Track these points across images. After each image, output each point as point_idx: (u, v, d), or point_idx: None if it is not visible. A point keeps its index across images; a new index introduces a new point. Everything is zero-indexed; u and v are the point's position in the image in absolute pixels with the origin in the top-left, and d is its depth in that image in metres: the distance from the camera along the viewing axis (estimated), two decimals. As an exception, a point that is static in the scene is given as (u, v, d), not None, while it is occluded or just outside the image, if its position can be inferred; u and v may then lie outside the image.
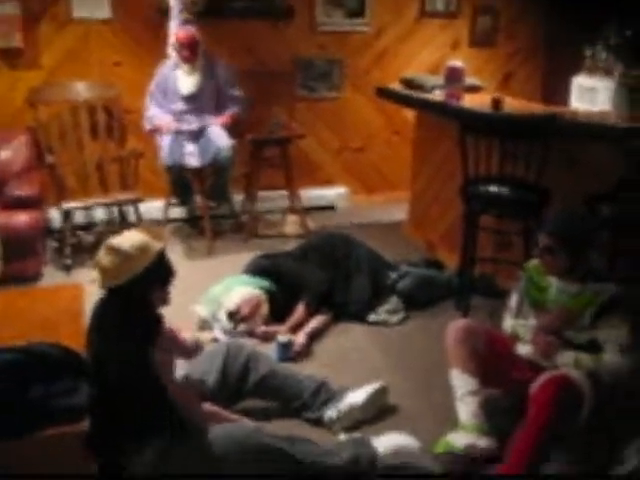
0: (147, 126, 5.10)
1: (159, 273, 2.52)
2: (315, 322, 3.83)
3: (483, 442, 2.76)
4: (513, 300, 3.06)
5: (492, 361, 2.92)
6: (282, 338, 3.56)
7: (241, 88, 5.23)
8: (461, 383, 2.88)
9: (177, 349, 2.74)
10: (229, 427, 2.58)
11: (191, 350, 2.87)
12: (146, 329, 2.48)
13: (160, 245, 2.52)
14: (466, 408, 2.84)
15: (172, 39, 4.99)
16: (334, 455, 2.58)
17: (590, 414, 2.67)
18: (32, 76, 5.07)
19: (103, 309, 2.54)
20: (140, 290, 2.48)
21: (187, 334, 2.83)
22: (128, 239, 2.47)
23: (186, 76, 4.99)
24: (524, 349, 2.92)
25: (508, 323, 3.05)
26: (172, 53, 5.01)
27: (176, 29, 4.96)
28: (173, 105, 5.04)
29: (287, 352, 3.54)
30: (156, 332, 2.55)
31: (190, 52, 4.92)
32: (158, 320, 2.60)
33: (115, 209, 5.30)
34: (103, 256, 2.44)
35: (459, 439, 2.74)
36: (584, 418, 2.66)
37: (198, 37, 4.94)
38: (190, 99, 5.02)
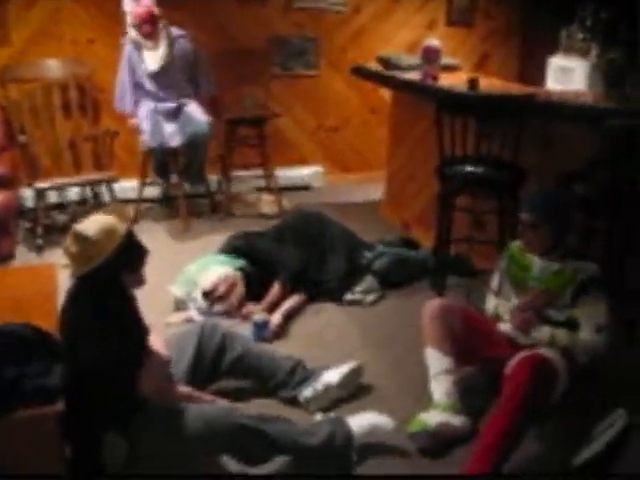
0: (117, 107, 5.08)
1: (128, 255, 2.46)
2: (290, 302, 3.83)
3: (456, 420, 2.78)
4: (495, 280, 3.09)
5: (468, 339, 2.93)
6: (258, 318, 3.55)
7: (211, 65, 5.20)
8: (435, 362, 2.90)
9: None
10: (204, 408, 2.57)
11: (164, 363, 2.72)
12: (117, 314, 2.46)
13: (126, 226, 2.46)
14: (440, 386, 2.85)
15: (129, 18, 4.85)
16: (310, 434, 2.59)
17: (563, 393, 2.71)
18: (1, 53, 4.97)
19: (75, 294, 2.50)
20: (109, 274, 2.44)
21: (159, 340, 2.77)
22: (92, 224, 2.41)
23: (150, 52, 4.89)
24: (504, 327, 2.94)
25: (491, 303, 3.07)
26: (132, 32, 4.88)
27: (131, 6, 4.83)
28: (144, 84, 4.97)
29: (263, 332, 3.53)
30: (131, 314, 2.54)
31: (151, 26, 4.81)
32: (132, 302, 2.59)
33: (89, 189, 5.24)
34: (70, 244, 2.40)
35: (432, 417, 2.75)
36: (558, 397, 2.70)
37: (156, 11, 4.84)
38: (158, 75, 4.94)
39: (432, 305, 3.00)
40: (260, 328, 3.53)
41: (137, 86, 5.00)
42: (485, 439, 2.52)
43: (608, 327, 2.77)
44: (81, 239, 2.37)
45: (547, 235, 2.85)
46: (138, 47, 4.91)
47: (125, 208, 2.62)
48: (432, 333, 2.93)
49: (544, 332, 2.79)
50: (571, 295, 2.80)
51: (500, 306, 3.01)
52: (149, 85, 4.97)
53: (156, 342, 2.68)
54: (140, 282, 2.57)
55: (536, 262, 2.92)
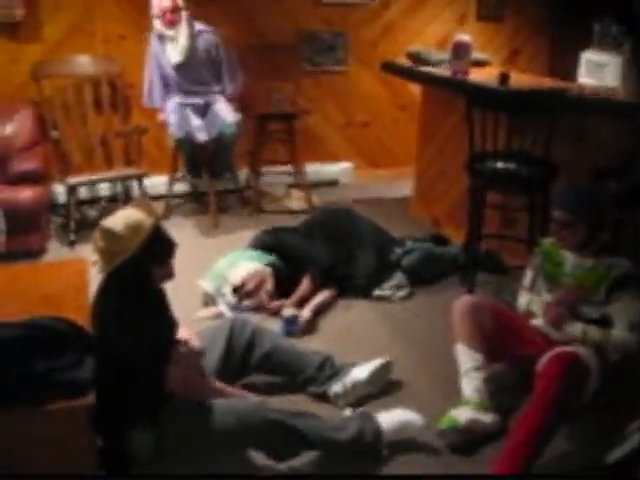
0: (146, 103, 5.10)
1: (155, 249, 2.48)
2: (320, 297, 3.83)
3: (486, 418, 2.77)
4: (528, 277, 3.05)
5: (499, 336, 2.92)
6: (287, 313, 3.56)
7: (240, 60, 5.19)
8: (466, 358, 2.88)
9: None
10: (233, 402, 2.58)
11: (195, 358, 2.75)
12: (146, 307, 2.47)
13: (152, 221, 2.47)
14: (470, 383, 2.84)
15: (154, 9, 4.85)
16: (339, 430, 2.59)
17: (595, 391, 2.68)
18: (34, 50, 5.01)
19: (104, 288, 2.52)
20: (137, 269, 2.45)
21: (186, 331, 2.78)
22: (118, 219, 2.43)
23: (172, 44, 4.89)
24: (537, 323, 2.92)
25: (523, 300, 3.04)
26: (156, 24, 4.88)
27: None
28: (170, 76, 4.97)
29: (292, 327, 3.54)
30: (160, 307, 2.56)
31: (172, 15, 4.81)
32: (161, 296, 2.61)
33: (119, 184, 5.28)
34: (98, 240, 2.42)
35: (462, 414, 2.74)
36: (589, 395, 2.67)
37: (180, 1, 4.85)
38: (182, 68, 4.93)
39: (463, 302, 2.98)
40: (289, 323, 3.53)
41: (164, 80, 5.01)
42: (516, 436, 2.50)
43: None
44: (108, 235, 2.39)
45: (580, 232, 2.81)
46: (162, 40, 4.92)
47: (150, 202, 2.63)
48: (462, 330, 2.91)
49: (577, 328, 2.76)
50: (605, 292, 2.77)
51: (533, 302, 2.98)
52: (175, 78, 4.96)
53: (186, 334, 2.70)
54: (169, 275, 2.58)
55: (569, 258, 2.89)
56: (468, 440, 2.72)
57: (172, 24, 4.85)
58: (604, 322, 2.77)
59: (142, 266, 2.47)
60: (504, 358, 3.00)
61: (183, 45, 4.89)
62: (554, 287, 2.94)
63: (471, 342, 2.88)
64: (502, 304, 3.13)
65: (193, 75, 5.00)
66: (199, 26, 5.01)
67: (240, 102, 5.16)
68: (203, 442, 2.46)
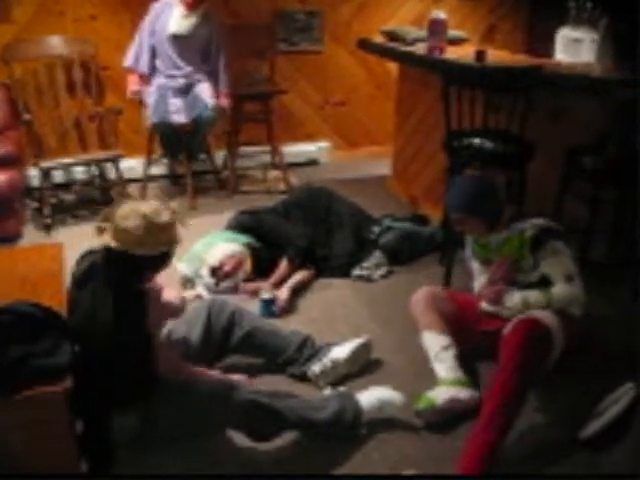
0: (129, 65, 5.01)
1: (171, 256, 2.49)
2: (297, 277, 3.83)
3: (464, 393, 2.79)
4: (470, 265, 3.21)
5: (459, 319, 3.02)
6: (265, 294, 3.55)
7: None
8: (433, 342, 2.93)
9: (165, 309, 2.69)
10: (213, 385, 2.58)
11: (178, 309, 2.81)
12: (141, 291, 2.45)
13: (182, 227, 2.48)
14: (442, 364, 2.87)
15: None
16: (318, 409, 2.59)
17: (563, 352, 2.77)
18: (3, 31, 4.92)
19: (96, 268, 2.47)
20: (149, 266, 2.44)
21: (173, 292, 2.79)
22: (160, 212, 2.39)
23: (180, 17, 4.83)
24: (484, 306, 3.03)
25: (475, 285, 3.17)
26: None
27: None
28: (159, 44, 4.91)
29: (271, 308, 3.53)
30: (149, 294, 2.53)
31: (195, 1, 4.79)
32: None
33: (95, 167, 5.22)
34: (130, 217, 2.34)
35: (440, 394, 2.75)
36: (556, 357, 2.75)
37: None
38: (177, 39, 4.87)
39: (420, 293, 3.09)
40: (267, 305, 3.53)
41: (154, 51, 4.94)
42: (488, 406, 2.51)
43: (577, 274, 2.85)
44: (147, 220, 2.34)
45: (479, 223, 3.00)
46: (170, 8, 4.84)
47: (176, 207, 2.57)
48: (425, 319, 2.99)
49: (516, 298, 2.86)
50: (530, 255, 2.89)
51: (478, 287, 3.11)
52: (167, 49, 4.89)
53: (172, 295, 2.71)
54: (154, 278, 2.55)
55: (491, 237, 3.03)
56: (447, 418, 2.74)
57: (191, 7, 4.80)
58: (543, 283, 2.87)
59: (150, 266, 2.45)
60: (468, 339, 3.05)
61: (191, 23, 4.84)
62: (488, 268, 3.07)
63: (435, 327, 2.95)
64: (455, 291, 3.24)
65: (185, 52, 4.92)
66: (212, 10, 4.98)
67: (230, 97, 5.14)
68: (183, 423, 2.46)
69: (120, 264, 2.41)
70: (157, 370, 2.46)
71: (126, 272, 2.42)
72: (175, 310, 2.73)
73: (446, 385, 2.80)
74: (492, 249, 3.04)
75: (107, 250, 2.40)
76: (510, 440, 2.53)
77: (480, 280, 3.13)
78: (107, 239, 2.37)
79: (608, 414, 2.65)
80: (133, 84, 5.00)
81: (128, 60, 4.98)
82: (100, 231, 2.39)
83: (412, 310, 3.09)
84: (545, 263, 2.86)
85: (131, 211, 2.36)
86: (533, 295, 2.83)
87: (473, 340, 3.06)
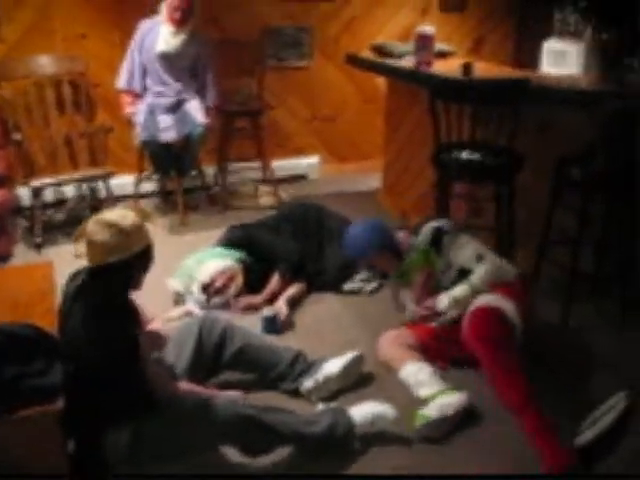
0: (122, 86, 5.03)
1: (148, 256, 2.50)
2: (292, 290, 3.84)
3: (454, 399, 2.81)
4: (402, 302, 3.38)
5: (426, 346, 3.11)
6: (267, 312, 3.56)
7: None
8: (409, 371, 2.98)
9: (148, 338, 2.69)
10: (205, 400, 2.57)
11: (161, 341, 2.78)
12: (130, 309, 2.45)
13: (152, 225, 2.52)
14: (423, 386, 2.90)
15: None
16: (311, 424, 2.60)
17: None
18: (-8, 50, 4.93)
19: (82, 286, 2.47)
20: (130, 269, 2.44)
21: (158, 324, 2.79)
22: (126, 216, 2.41)
23: (168, 35, 4.84)
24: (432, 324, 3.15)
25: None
26: (162, 10, 4.84)
27: None
28: (148, 62, 4.92)
29: (273, 325, 3.54)
30: (132, 310, 2.53)
31: (182, 16, 4.78)
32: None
33: (85, 185, 5.22)
34: (97, 230, 2.36)
35: (432, 409, 2.77)
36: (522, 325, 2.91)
37: (193, 2, 4.81)
38: (166, 58, 4.88)
39: (385, 338, 3.19)
40: (271, 322, 3.53)
41: (144, 68, 4.96)
42: (510, 403, 2.64)
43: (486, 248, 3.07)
44: (113, 229, 2.36)
45: (390, 256, 3.25)
46: (158, 26, 4.85)
47: (144, 208, 2.61)
48: (396, 358, 3.06)
49: (444, 301, 2.99)
50: (437, 256, 3.07)
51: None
52: (156, 67, 4.90)
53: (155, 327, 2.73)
54: (139, 285, 2.56)
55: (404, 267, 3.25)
56: (444, 429, 2.75)
57: (178, 25, 4.81)
58: (464, 275, 3.05)
59: (133, 268, 2.45)
60: (443, 357, 3.14)
61: (179, 41, 4.85)
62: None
63: (405, 359, 3.02)
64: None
65: (173, 69, 4.94)
66: (198, 28, 4.99)
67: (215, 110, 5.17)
68: (175, 439, 2.45)
69: (103, 278, 2.42)
70: (148, 386, 2.46)
71: (111, 284, 2.42)
72: (157, 341, 2.71)
73: (432, 399, 2.82)
74: (408, 272, 3.23)
75: (89, 269, 2.44)
76: (506, 447, 2.53)
77: (409, 306, 3.27)
78: (85, 260, 2.40)
79: (602, 423, 2.67)
80: (128, 105, 5.02)
81: (121, 82, 5.00)
82: (78, 256, 2.41)
83: (381, 357, 3.16)
84: (453, 257, 3.04)
85: (97, 224, 2.38)
86: (457, 290, 2.98)
87: (447, 357, 3.14)
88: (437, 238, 3.06)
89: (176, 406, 2.48)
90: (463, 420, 2.80)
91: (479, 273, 2.97)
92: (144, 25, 4.92)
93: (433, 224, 3.16)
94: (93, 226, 2.38)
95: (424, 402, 2.83)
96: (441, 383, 2.89)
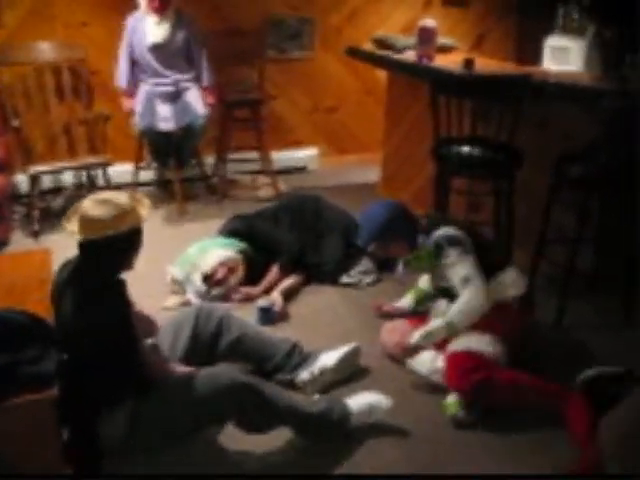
0: (117, 83, 5.02)
1: (140, 236, 2.49)
2: (287, 282, 3.83)
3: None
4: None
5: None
6: (263, 303, 3.55)
7: (208, 49, 5.11)
8: (424, 359, 3.01)
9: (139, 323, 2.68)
10: (202, 371, 2.58)
11: (152, 327, 2.76)
12: (122, 291, 2.45)
13: (146, 211, 2.50)
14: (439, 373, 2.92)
15: None
16: (308, 405, 2.63)
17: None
18: (-8, 36, 4.91)
19: (73, 271, 2.47)
20: (122, 248, 2.43)
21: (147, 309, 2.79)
22: (119, 195, 2.43)
23: (154, 26, 4.82)
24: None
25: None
26: (142, 2, 4.83)
27: None
28: (144, 58, 4.90)
29: (269, 316, 3.53)
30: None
31: (160, 3, 4.75)
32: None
33: (83, 173, 5.21)
34: (93, 207, 2.36)
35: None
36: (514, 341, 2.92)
37: None
38: (157, 49, 4.86)
39: (386, 329, 3.23)
40: (266, 312, 3.53)
41: (137, 64, 4.95)
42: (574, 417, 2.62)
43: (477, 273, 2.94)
44: (108, 204, 2.36)
45: (404, 243, 3.17)
46: (143, 20, 4.84)
47: (143, 196, 2.62)
48: (406, 347, 3.05)
49: (415, 337, 2.94)
50: (437, 262, 3.02)
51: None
52: (148, 60, 4.88)
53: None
54: (130, 266, 2.55)
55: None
56: (480, 411, 2.78)
57: (159, 11, 4.79)
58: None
59: (123, 247, 2.44)
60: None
61: (165, 29, 4.83)
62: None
63: (420, 348, 3.01)
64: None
65: (167, 59, 4.92)
66: (183, 12, 4.97)
67: (214, 94, 5.13)
68: (173, 417, 2.44)
69: (95, 256, 2.42)
70: (143, 369, 2.46)
71: (101, 262, 2.43)
72: (149, 327, 2.71)
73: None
74: (411, 264, 3.21)
75: (80, 246, 2.43)
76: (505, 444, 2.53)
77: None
78: (75, 236, 2.40)
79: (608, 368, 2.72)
80: (128, 102, 5.00)
81: (118, 80, 5.00)
82: (71, 233, 2.41)
83: (389, 348, 3.19)
84: (446, 270, 2.98)
85: (93, 201, 2.39)
86: (432, 327, 2.93)
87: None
88: (441, 246, 2.98)
89: (172, 382, 2.50)
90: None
91: (459, 308, 2.90)
92: (131, 21, 4.90)
93: (444, 232, 3.02)
94: (88, 202, 2.39)
95: (426, 385, 2.91)
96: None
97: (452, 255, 2.94)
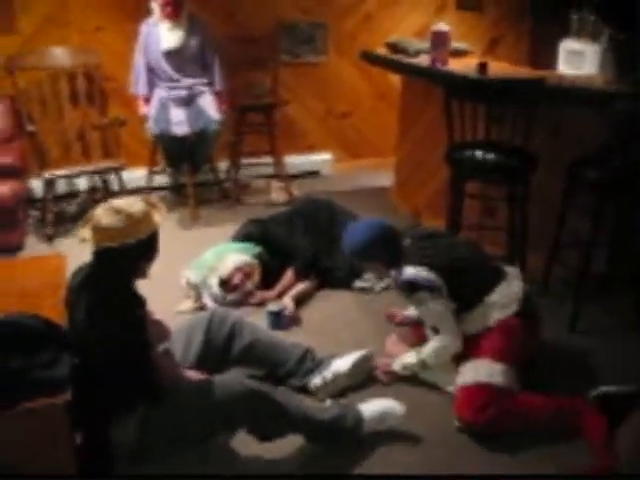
0: (132, 89, 5.04)
1: (154, 245, 2.49)
2: (300, 287, 3.83)
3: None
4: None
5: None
6: (273, 307, 3.55)
7: (222, 54, 5.12)
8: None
9: (153, 328, 2.68)
10: (214, 378, 2.58)
11: (165, 333, 2.75)
12: (136, 298, 2.45)
13: (160, 217, 2.49)
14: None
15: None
16: (320, 412, 2.62)
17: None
18: (8, 42, 4.93)
19: (88, 277, 2.47)
20: (136, 256, 2.43)
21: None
22: (133, 203, 2.43)
23: (168, 32, 4.84)
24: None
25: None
26: (155, 9, 4.85)
27: None
28: (159, 64, 4.91)
29: (280, 320, 3.53)
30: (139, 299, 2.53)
31: (173, 9, 4.77)
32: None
33: (98, 178, 5.23)
34: (105, 215, 2.37)
35: None
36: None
37: None
38: (171, 55, 4.88)
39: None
40: (276, 317, 3.53)
41: (151, 69, 4.96)
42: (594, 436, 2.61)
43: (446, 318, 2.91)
44: (122, 213, 2.36)
45: (379, 265, 3.10)
46: (157, 26, 4.86)
47: (157, 200, 2.62)
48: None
49: (397, 365, 3.04)
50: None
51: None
52: (163, 66, 4.90)
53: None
54: (144, 275, 2.55)
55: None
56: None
57: (172, 18, 4.81)
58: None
59: (138, 256, 2.45)
60: None
61: (179, 35, 4.85)
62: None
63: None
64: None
65: (181, 65, 4.93)
66: (196, 17, 4.99)
67: (226, 98, 5.14)
68: (186, 423, 2.44)
69: (109, 264, 2.42)
70: (155, 375, 2.45)
71: (115, 269, 2.42)
72: (162, 332, 2.70)
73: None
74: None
75: (95, 254, 2.43)
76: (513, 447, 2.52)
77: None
78: (89, 243, 2.40)
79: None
80: (142, 107, 5.02)
81: (133, 87, 5.02)
82: (82, 240, 2.41)
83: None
84: (417, 308, 3.02)
85: (106, 209, 2.39)
86: (407, 358, 3.01)
87: None
88: (412, 286, 2.90)
89: (184, 388, 2.49)
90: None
91: (431, 350, 2.94)
92: (144, 27, 4.92)
93: (412, 275, 2.88)
94: (101, 211, 2.40)
95: (438, 391, 2.92)
96: None
97: (421, 297, 2.89)
